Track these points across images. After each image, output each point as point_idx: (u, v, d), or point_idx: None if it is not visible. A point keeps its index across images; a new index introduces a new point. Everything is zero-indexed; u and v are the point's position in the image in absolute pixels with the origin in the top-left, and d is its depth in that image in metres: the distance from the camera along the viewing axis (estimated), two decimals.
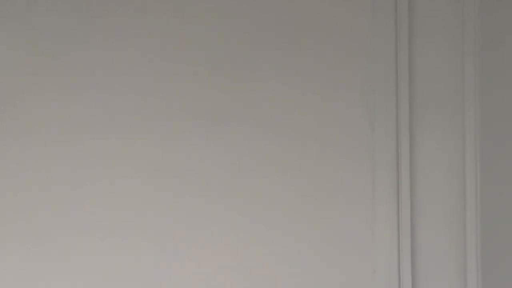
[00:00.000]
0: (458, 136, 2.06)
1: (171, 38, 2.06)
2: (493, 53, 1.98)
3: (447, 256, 2.05)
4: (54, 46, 2.04)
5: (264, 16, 2.07)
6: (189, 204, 2.04)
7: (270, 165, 2.06)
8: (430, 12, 2.07)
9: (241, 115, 2.05)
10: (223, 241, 2.05)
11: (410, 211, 2.03)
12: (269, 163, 2.06)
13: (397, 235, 2.03)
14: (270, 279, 2.05)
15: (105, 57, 2.05)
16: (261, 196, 2.05)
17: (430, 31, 2.07)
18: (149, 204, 2.04)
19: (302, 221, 2.05)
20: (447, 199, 2.06)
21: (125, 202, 2.03)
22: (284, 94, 2.06)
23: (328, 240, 2.06)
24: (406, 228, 2.03)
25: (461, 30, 2.05)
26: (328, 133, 2.06)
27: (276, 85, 2.06)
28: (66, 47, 2.04)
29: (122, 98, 2.05)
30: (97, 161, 2.04)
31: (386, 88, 2.05)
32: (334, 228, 2.06)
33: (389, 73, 2.05)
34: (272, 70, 2.06)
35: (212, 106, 2.05)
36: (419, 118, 2.06)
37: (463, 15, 2.05)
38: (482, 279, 2.01)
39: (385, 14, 2.06)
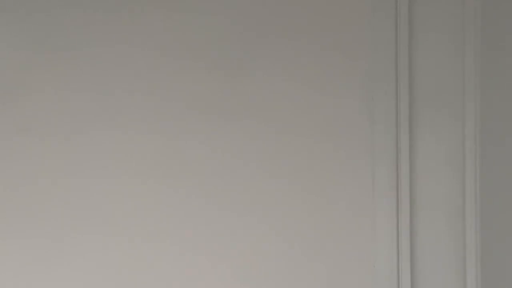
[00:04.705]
0: (458, 133, 2.06)
1: (172, 34, 2.06)
2: (494, 49, 1.98)
3: (446, 253, 2.05)
4: (56, 42, 2.04)
5: (266, 14, 2.07)
6: (190, 201, 2.05)
7: (269, 163, 2.06)
8: (431, 8, 2.06)
9: (240, 112, 2.05)
10: (223, 239, 2.05)
11: (410, 209, 2.03)
12: (269, 161, 2.05)
13: (396, 233, 2.03)
14: (270, 277, 2.05)
15: (106, 54, 2.05)
16: (259, 194, 2.05)
17: (430, 27, 2.06)
18: (150, 200, 2.04)
19: (301, 219, 2.05)
20: (447, 196, 2.05)
21: (126, 199, 2.03)
22: (283, 91, 2.06)
23: (327, 238, 2.05)
24: (405, 226, 2.02)
25: (461, 26, 2.05)
26: (328, 130, 2.06)
27: (277, 82, 2.06)
28: (67, 43, 2.05)
29: (123, 95, 2.05)
30: (98, 158, 2.04)
31: (386, 85, 2.05)
32: (333, 225, 2.05)
33: (389, 70, 2.05)
34: (273, 67, 2.06)
35: (212, 103, 2.05)
36: (419, 115, 2.06)
37: (464, 11, 2.04)
38: (481, 276, 2.01)
39: (386, 10, 2.05)
